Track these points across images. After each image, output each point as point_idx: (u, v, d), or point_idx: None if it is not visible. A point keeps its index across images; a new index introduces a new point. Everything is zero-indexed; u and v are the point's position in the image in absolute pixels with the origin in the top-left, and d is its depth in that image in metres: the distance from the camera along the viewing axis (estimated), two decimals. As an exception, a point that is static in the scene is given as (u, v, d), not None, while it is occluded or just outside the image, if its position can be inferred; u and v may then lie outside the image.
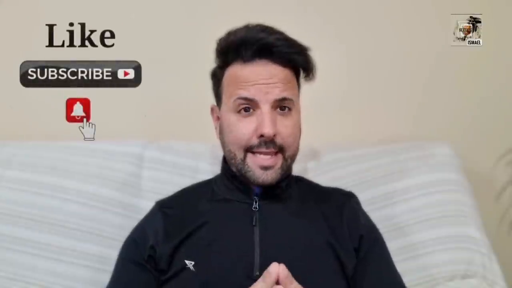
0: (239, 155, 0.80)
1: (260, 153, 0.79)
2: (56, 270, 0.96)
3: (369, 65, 1.27)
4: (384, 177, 1.08)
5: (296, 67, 0.83)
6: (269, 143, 0.78)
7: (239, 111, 0.79)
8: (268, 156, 0.79)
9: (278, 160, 0.79)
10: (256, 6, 1.18)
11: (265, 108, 0.78)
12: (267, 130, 0.76)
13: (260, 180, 0.79)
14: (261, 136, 0.77)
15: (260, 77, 0.78)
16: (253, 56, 0.79)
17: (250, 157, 0.79)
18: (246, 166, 0.79)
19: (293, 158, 0.83)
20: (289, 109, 0.80)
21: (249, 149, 0.79)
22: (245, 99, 0.78)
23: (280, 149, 0.79)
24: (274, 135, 0.78)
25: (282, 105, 0.80)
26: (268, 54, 0.79)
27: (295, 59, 0.81)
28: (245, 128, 0.79)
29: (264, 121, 0.77)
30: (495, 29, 1.17)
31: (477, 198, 1.08)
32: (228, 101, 0.81)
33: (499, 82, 1.29)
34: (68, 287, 0.95)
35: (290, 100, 0.80)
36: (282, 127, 0.79)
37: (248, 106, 0.79)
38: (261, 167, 0.79)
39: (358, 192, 0.92)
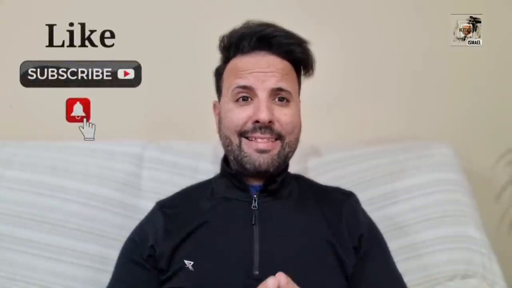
0: (235, 140, 0.81)
1: (256, 138, 0.79)
2: (56, 270, 0.96)
3: (369, 64, 1.27)
4: (383, 177, 1.08)
5: (295, 63, 0.84)
6: (265, 129, 0.78)
7: (237, 100, 0.81)
8: (265, 140, 0.79)
9: (275, 146, 0.80)
10: (255, 6, 1.18)
11: (262, 95, 0.79)
12: (263, 116, 0.77)
13: (256, 164, 0.79)
14: (256, 122, 0.78)
15: (257, 66, 0.80)
16: (253, 48, 0.82)
17: (245, 143, 0.80)
18: (243, 152, 0.80)
19: (291, 146, 0.82)
20: (287, 100, 0.81)
21: (243, 134, 0.80)
22: (243, 87, 0.80)
23: (279, 136, 0.80)
24: (271, 122, 0.78)
25: (280, 96, 0.81)
26: (266, 45, 0.81)
27: (293, 51, 0.82)
28: (241, 114, 0.80)
29: (260, 107, 0.78)
30: (495, 29, 1.17)
31: (477, 198, 1.08)
32: (227, 92, 0.83)
33: (499, 82, 1.29)
34: (68, 287, 0.95)
35: (288, 92, 0.81)
36: (281, 115, 0.80)
37: (246, 95, 0.80)
38: (257, 150, 0.79)
39: (358, 192, 0.92)
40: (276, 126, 0.79)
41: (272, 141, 0.80)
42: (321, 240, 0.79)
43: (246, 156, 0.80)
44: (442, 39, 1.15)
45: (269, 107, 0.79)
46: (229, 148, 0.82)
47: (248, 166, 0.80)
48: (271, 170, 0.80)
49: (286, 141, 0.81)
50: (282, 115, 0.80)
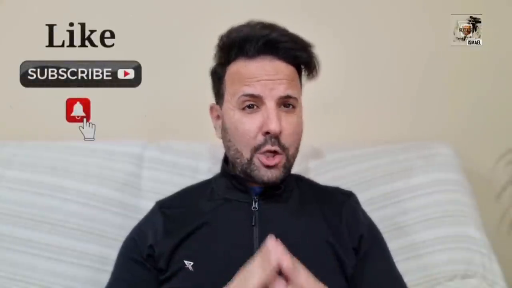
0: (246, 154, 0.79)
1: (266, 152, 0.78)
2: (56, 270, 0.96)
3: (369, 65, 1.27)
4: (384, 177, 1.08)
5: (298, 65, 0.83)
6: (275, 140, 0.77)
7: (243, 108, 0.79)
8: (272, 155, 0.78)
9: (281, 159, 0.79)
10: (256, 6, 1.18)
11: (270, 104, 0.77)
12: (273, 127, 0.76)
13: (265, 179, 0.79)
14: (267, 133, 0.77)
15: (265, 73, 0.78)
16: (258, 52, 0.79)
17: (256, 158, 0.79)
18: (253, 165, 0.79)
19: (294, 157, 0.82)
20: (293, 106, 0.80)
21: (256, 150, 0.78)
22: (251, 95, 0.78)
23: (283, 148, 0.79)
24: (280, 132, 0.77)
25: (286, 103, 0.79)
26: (273, 50, 0.79)
27: (299, 56, 0.81)
28: (250, 125, 0.78)
29: (270, 118, 0.76)
30: (495, 29, 1.17)
31: (477, 198, 1.08)
32: (232, 99, 0.80)
33: (499, 82, 1.29)
34: (68, 287, 0.95)
35: (294, 98, 0.80)
36: (286, 124, 0.79)
37: (253, 103, 0.78)
38: (265, 166, 0.78)
39: (358, 192, 0.92)
40: (282, 138, 0.78)
41: (277, 155, 0.79)
42: (321, 241, 0.79)
43: (255, 170, 0.79)
44: (442, 39, 1.15)
45: (278, 117, 0.77)
46: (239, 160, 0.81)
47: (256, 179, 0.79)
48: (279, 182, 0.80)
49: (290, 153, 0.80)
50: (287, 125, 0.79)
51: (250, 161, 0.79)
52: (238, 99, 0.79)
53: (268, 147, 0.78)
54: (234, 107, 0.80)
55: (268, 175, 0.78)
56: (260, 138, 0.78)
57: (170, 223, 0.82)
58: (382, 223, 0.93)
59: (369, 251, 0.81)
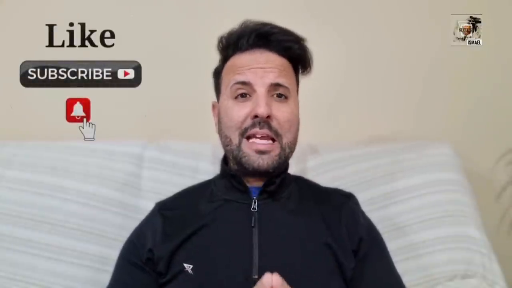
0: (235, 140, 0.80)
1: (255, 136, 0.78)
2: (56, 270, 0.96)
3: (369, 64, 1.27)
4: (384, 177, 1.08)
5: (293, 60, 0.85)
6: (263, 124, 0.78)
7: (236, 97, 0.81)
8: (264, 141, 0.78)
9: (275, 147, 0.79)
10: (256, 6, 1.19)
11: (260, 91, 0.79)
12: (261, 110, 0.77)
13: (255, 165, 0.78)
14: (255, 116, 0.78)
15: (255, 62, 0.81)
16: (251, 45, 0.82)
17: (245, 143, 0.79)
18: (241, 152, 0.79)
19: (291, 147, 0.82)
20: (286, 97, 0.81)
21: (243, 133, 0.79)
22: (242, 83, 0.80)
23: (276, 135, 0.79)
24: (269, 117, 0.78)
25: (279, 92, 0.81)
26: (265, 42, 0.82)
27: (291, 47, 0.83)
28: (240, 111, 0.80)
29: (259, 102, 0.78)
30: (495, 29, 1.17)
31: (477, 198, 1.08)
32: (226, 89, 0.83)
33: (499, 82, 1.29)
34: (68, 287, 0.95)
35: (286, 87, 0.81)
36: (278, 112, 0.79)
37: (245, 92, 0.80)
38: (256, 151, 0.78)
39: (358, 192, 0.92)
40: (274, 124, 0.79)
41: (271, 143, 0.79)
42: (320, 243, 0.79)
43: (245, 157, 0.79)
44: (442, 39, 1.15)
45: (268, 102, 0.78)
46: (229, 147, 0.81)
47: (247, 166, 0.79)
48: (271, 170, 0.79)
49: (285, 141, 0.80)
50: (280, 113, 0.80)
51: (239, 146, 0.79)
52: (231, 88, 0.81)
53: (256, 129, 0.78)
54: (228, 97, 0.82)
55: (259, 161, 0.78)
56: (248, 122, 0.79)
57: (169, 225, 0.82)
58: (382, 223, 0.93)
59: (368, 252, 0.81)
